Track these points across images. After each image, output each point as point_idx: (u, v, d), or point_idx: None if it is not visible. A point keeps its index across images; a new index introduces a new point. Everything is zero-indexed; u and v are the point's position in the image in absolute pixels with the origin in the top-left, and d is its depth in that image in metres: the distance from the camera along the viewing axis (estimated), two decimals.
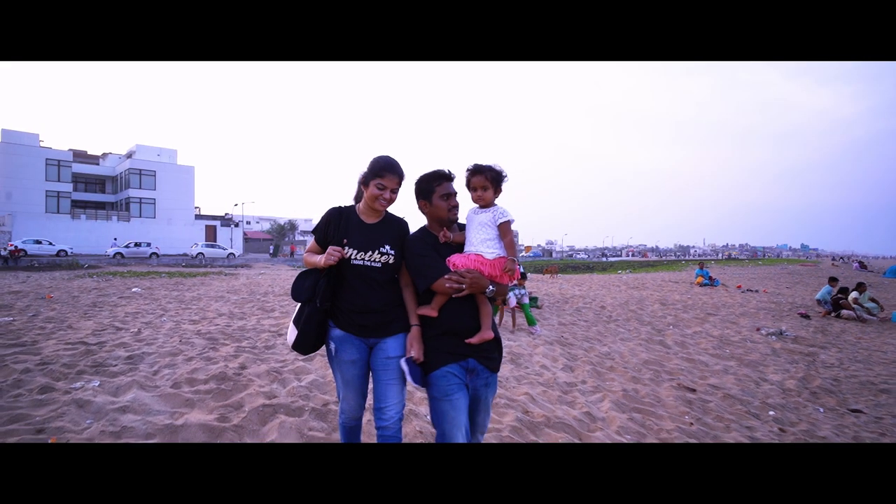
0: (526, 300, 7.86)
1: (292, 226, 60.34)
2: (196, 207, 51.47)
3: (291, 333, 2.23)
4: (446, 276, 2.02)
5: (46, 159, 42.90)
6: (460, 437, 2.00)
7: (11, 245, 27.07)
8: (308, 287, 2.17)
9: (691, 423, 4.14)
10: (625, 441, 3.67)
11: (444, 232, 2.16)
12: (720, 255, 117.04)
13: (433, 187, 2.12)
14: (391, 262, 2.16)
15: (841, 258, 77.70)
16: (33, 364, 4.19)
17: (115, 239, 36.50)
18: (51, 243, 30.67)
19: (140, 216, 45.18)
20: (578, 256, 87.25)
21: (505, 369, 5.10)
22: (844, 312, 10.90)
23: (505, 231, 2.08)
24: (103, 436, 2.87)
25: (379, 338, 2.18)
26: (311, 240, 2.34)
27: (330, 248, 2.10)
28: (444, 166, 2.21)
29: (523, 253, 76.05)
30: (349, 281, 2.17)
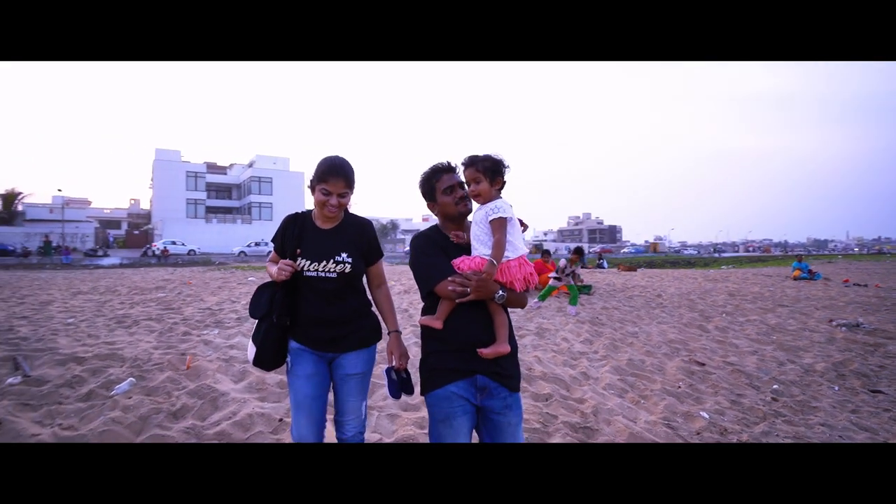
0: (571, 282, 8.52)
1: (394, 225, 63.05)
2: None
3: (250, 350, 2.11)
4: (449, 279, 1.79)
5: (186, 172, 50.73)
6: None
7: (156, 246, 33.58)
8: (265, 302, 2.06)
9: (679, 387, 4.68)
10: (606, 395, 4.37)
11: (457, 232, 1.96)
12: (866, 249, 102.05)
13: (433, 185, 1.96)
14: (348, 270, 2.03)
15: None
16: (178, 319, 6.11)
17: (263, 239, 40.23)
18: (183, 244, 36.98)
19: (259, 219, 51.41)
20: (687, 252, 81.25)
21: (527, 340, 5.93)
22: None
23: (495, 228, 1.82)
24: (219, 361, 4.34)
25: (336, 352, 2.07)
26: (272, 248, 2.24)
27: (281, 263, 2.01)
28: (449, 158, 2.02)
29: (627, 251, 72.82)
30: (304, 293, 2.05)
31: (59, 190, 42.86)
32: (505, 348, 1.83)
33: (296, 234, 2.08)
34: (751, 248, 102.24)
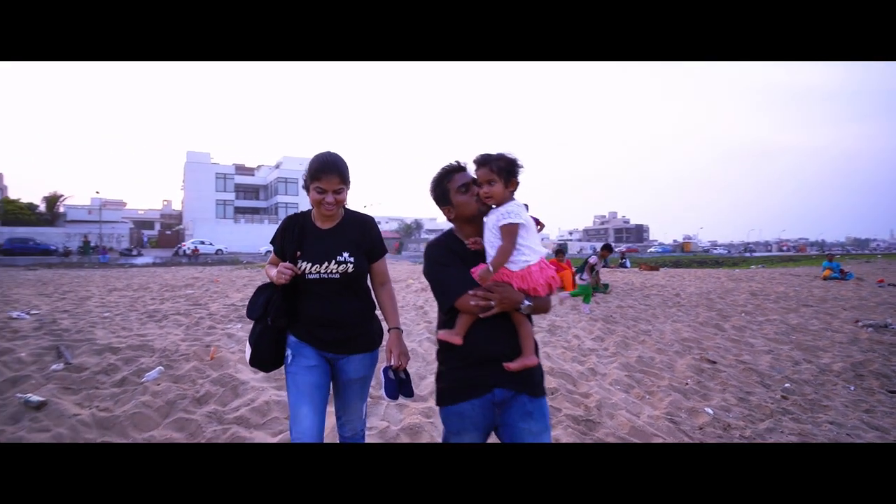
0: (586, 281, 8.57)
1: (418, 225, 63.11)
2: None
3: (247, 351, 2.10)
4: (471, 292, 1.67)
5: (216, 173, 52.27)
6: None
7: (184, 245, 35.12)
8: (261, 304, 2.03)
9: (686, 383, 4.71)
10: (612, 390, 4.45)
11: (475, 238, 1.81)
12: None
13: (445, 187, 1.83)
14: (350, 270, 1.96)
15: None
16: (205, 314, 6.47)
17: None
18: (211, 244, 38.33)
19: None
20: (717, 252, 78.88)
21: (537, 337, 6.03)
22: None
23: (504, 234, 1.70)
24: (241, 352, 4.61)
25: (339, 354, 2.01)
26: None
27: (281, 266, 1.94)
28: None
29: (654, 250, 71.30)
30: (307, 294, 1.99)
31: (97, 192, 44.96)
32: (532, 360, 1.71)
33: (296, 236, 2.01)
34: (785, 248, 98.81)
